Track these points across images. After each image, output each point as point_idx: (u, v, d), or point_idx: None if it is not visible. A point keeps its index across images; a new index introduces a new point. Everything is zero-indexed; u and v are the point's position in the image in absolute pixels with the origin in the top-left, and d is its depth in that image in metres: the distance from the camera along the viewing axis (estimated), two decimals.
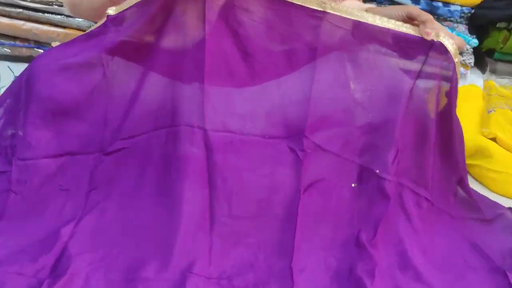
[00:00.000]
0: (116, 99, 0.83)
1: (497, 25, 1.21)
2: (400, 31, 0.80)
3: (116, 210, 0.80)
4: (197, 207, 0.79)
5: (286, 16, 0.82)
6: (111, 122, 0.82)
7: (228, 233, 0.79)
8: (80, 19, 1.25)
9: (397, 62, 0.86)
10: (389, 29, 0.79)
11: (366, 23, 0.80)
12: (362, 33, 0.81)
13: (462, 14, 1.14)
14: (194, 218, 0.78)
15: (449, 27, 1.10)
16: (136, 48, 0.82)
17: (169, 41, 0.83)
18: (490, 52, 1.25)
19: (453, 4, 1.13)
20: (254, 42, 0.84)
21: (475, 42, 1.13)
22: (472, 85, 1.11)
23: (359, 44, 0.83)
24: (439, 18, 1.13)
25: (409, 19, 0.80)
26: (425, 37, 0.75)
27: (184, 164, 0.79)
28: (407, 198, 0.82)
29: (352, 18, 0.80)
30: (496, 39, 1.22)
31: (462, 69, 1.07)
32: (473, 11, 1.16)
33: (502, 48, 1.22)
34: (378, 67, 0.84)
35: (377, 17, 0.79)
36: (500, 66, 1.23)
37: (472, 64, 1.15)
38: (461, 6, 1.13)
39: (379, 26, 0.80)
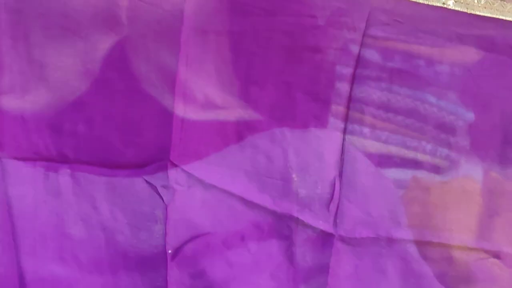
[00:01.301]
0: None
1: None
2: None
3: None
4: None
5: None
6: None
7: None
8: None
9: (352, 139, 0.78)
10: None
11: None
12: None
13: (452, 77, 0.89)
14: None
15: (434, 96, 0.85)
16: None
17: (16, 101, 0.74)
18: None
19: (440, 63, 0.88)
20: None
21: (470, 116, 0.87)
22: (467, 178, 0.87)
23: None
24: (420, 82, 0.86)
25: None
26: None
27: None
28: None
29: None
30: None
31: (452, 154, 0.83)
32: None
33: None
34: (327, 148, 0.77)
35: None
36: None
37: (468, 148, 0.88)
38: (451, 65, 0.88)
39: None
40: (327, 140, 0.78)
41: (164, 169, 0.73)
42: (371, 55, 0.80)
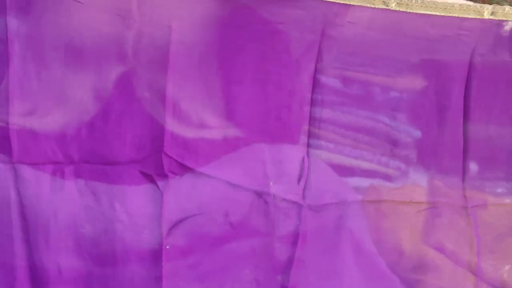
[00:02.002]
0: None
1: None
2: None
3: None
4: None
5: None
6: None
7: None
8: None
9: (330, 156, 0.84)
10: None
11: None
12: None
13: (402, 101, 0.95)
14: None
15: (387, 117, 0.93)
16: None
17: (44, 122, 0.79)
18: None
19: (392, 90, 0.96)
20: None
21: (417, 134, 0.95)
22: (415, 185, 0.95)
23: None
24: (376, 105, 0.94)
25: None
26: None
27: None
28: None
29: None
30: None
31: (402, 166, 0.92)
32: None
33: None
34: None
35: None
36: None
37: (415, 160, 0.96)
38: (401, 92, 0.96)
39: None
40: (298, 153, 0.86)
41: (159, 159, 0.79)
42: (335, 83, 0.87)
